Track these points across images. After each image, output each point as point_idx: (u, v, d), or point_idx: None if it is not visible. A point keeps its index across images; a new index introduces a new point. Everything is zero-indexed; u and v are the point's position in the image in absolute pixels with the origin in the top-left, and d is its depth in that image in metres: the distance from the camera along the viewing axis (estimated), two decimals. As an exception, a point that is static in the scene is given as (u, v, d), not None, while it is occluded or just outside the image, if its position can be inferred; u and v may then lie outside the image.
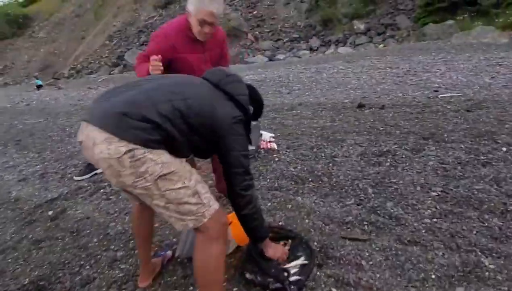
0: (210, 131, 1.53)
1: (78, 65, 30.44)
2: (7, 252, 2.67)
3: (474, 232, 2.07)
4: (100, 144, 1.35)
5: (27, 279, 2.27)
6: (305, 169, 3.26)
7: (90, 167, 4.04)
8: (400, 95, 6.00)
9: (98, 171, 4.00)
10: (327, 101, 6.12)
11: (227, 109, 1.57)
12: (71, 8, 40.15)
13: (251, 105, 1.77)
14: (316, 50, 21.10)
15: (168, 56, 2.24)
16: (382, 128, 4.07)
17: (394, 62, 10.39)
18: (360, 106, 5.20)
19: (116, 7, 35.63)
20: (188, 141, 1.51)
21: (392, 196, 2.58)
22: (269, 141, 3.89)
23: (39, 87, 23.83)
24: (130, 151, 1.33)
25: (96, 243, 2.58)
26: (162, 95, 1.47)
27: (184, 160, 1.52)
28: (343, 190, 2.77)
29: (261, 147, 3.87)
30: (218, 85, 1.64)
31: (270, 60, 21.02)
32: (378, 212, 2.40)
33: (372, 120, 4.47)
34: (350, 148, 3.59)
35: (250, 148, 3.61)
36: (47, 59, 35.20)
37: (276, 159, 3.60)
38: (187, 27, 2.24)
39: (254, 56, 22.50)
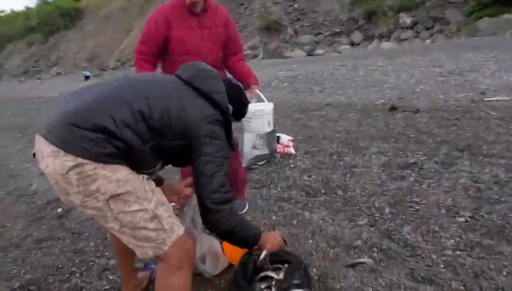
0: (180, 135, 1.35)
1: (123, 58, 31.51)
2: (10, 249, 2.65)
3: (504, 273, 1.73)
4: (46, 158, 1.20)
5: (18, 283, 2.21)
6: (320, 178, 2.99)
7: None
8: (440, 97, 5.49)
9: None
10: (358, 102, 5.74)
11: (198, 109, 1.38)
12: (119, 3, 41.60)
13: (231, 104, 1.56)
14: (358, 45, 20.29)
15: (163, 33, 2.16)
16: (412, 136, 3.68)
17: (439, 59, 9.66)
18: (392, 109, 4.80)
19: (160, 2, 36.47)
20: (155, 149, 1.32)
21: (412, 218, 2.26)
22: (286, 146, 3.65)
23: (86, 78, 24.95)
24: (77, 166, 1.16)
25: (93, 248, 2.49)
26: (118, 97, 1.28)
27: (145, 177, 1.33)
28: (357, 207, 2.49)
29: (278, 150, 3.64)
30: (190, 82, 1.46)
31: (309, 55, 20.54)
32: (393, 236, 2.11)
33: (403, 125, 4.08)
34: (373, 157, 3.27)
35: (263, 152, 3.40)
36: (94, 51, 36.78)
37: (292, 165, 3.36)
38: (183, 0, 2.17)
39: (292, 50, 22.09)
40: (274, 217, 2.52)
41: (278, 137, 3.76)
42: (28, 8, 42.51)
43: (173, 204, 1.78)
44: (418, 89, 6.40)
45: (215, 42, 2.27)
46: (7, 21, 41.54)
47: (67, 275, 2.22)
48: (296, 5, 24.78)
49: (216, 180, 1.37)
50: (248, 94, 2.54)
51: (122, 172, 1.24)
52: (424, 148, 3.32)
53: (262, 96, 2.61)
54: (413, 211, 2.33)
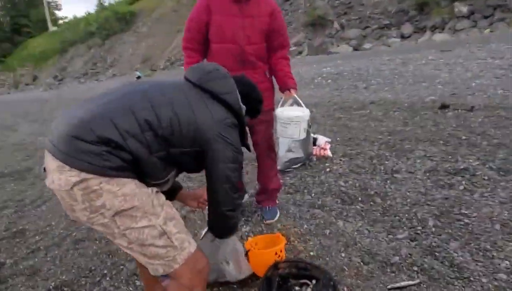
0: (191, 141, 1.29)
1: (172, 57, 32.52)
2: (50, 249, 2.76)
3: None
4: (52, 173, 1.18)
5: (53, 283, 2.28)
6: (357, 184, 2.80)
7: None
8: (499, 93, 4.97)
9: None
10: (405, 99, 5.37)
11: (209, 113, 1.32)
12: (170, 4, 43.04)
13: (244, 102, 1.49)
14: (408, 37, 19.20)
15: (204, 20, 2.12)
16: (464, 138, 3.34)
17: (499, 51, 8.82)
18: (443, 107, 4.41)
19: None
20: (166, 158, 1.26)
21: (460, 233, 2.02)
22: (323, 148, 3.47)
23: (138, 78, 26.07)
24: (81, 181, 1.12)
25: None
26: (123, 106, 1.23)
27: (154, 190, 1.27)
28: (397, 217, 2.28)
29: (314, 153, 3.48)
30: (198, 84, 1.38)
31: (356, 50, 19.81)
32: (436, 254, 1.89)
33: (454, 125, 3.72)
34: (418, 161, 3.00)
35: (299, 155, 3.26)
36: (147, 53, 38.36)
37: (328, 169, 3.18)
38: None
39: (338, 46, 21.47)
40: (305, 226, 2.38)
41: (315, 139, 3.59)
42: (88, 14, 45.28)
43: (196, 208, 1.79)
44: (473, 84, 5.86)
45: (256, 32, 2.16)
46: (70, 27, 44.51)
47: (98, 278, 2.25)
48: (342, -1, 23.93)
49: (231, 187, 1.35)
50: (284, 98, 2.42)
51: (128, 186, 1.18)
52: (477, 152, 2.99)
53: (300, 101, 2.46)
54: (462, 225, 2.08)
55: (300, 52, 21.37)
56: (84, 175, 1.12)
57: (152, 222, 1.20)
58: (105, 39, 41.74)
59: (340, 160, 3.32)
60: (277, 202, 2.69)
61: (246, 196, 2.85)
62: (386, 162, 3.09)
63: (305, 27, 23.63)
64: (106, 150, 1.14)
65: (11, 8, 49.96)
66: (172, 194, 1.64)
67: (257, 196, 2.70)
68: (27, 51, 44.89)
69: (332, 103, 5.88)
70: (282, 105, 2.37)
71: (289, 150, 3.26)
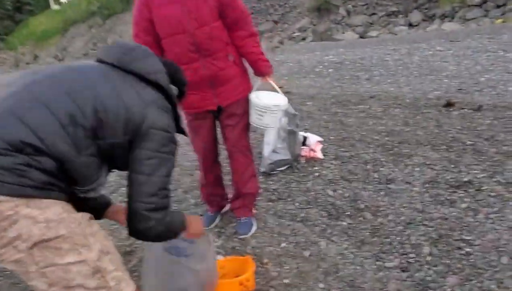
0: (122, 130, 1.09)
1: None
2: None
3: None
4: None
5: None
6: (347, 194, 2.49)
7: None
8: (510, 90, 4.60)
9: None
10: (408, 94, 5.00)
11: (137, 95, 1.13)
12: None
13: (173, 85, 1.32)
14: (416, 26, 18.59)
15: (147, 17, 1.86)
16: (470, 143, 2.99)
17: (512, 43, 8.38)
18: (448, 105, 4.04)
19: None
20: (95, 155, 1.06)
21: (459, 266, 1.71)
22: (312, 150, 3.15)
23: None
24: None
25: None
26: (35, 99, 0.98)
27: (86, 216, 1.04)
28: (388, 240, 1.98)
29: (303, 154, 3.16)
30: (119, 65, 1.18)
31: (361, 37, 19.27)
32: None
33: (459, 127, 3.37)
34: (416, 169, 2.67)
35: (285, 157, 2.94)
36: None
37: (316, 174, 2.87)
38: None
39: (343, 32, 20.92)
40: (284, 244, 2.09)
41: (305, 138, 3.27)
42: (91, -7, 44.58)
43: None
44: (482, 79, 5.47)
45: (204, 11, 1.83)
46: (72, 5, 43.76)
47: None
48: (350, -17, 23.28)
49: (156, 181, 1.12)
50: (259, 82, 2.11)
51: (53, 209, 0.94)
52: (484, 161, 2.65)
53: (277, 88, 2.16)
54: (462, 254, 1.78)
55: (303, 38, 20.85)
56: None
57: (82, 256, 0.96)
58: (106, 19, 41.32)
59: (331, 163, 3.00)
60: (254, 211, 2.40)
61: (227, 206, 2.56)
62: (381, 169, 2.76)
63: (310, 12, 23.03)
64: (21, 162, 0.89)
65: (13, -15, 49.12)
66: (99, 211, 1.36)
67: (232, 202, 2.41)
68: (28, 29, 44.31)
69: (330, 96, 5.52)
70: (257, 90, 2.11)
71: (274, 151, 2.94)
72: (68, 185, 1.02)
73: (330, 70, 8.60)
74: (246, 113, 2.12)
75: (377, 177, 2.66)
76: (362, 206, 2.32)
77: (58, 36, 39.12)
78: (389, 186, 2.51)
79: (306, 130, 3.83)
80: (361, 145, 3.29)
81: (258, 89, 2.13)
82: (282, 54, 13.80)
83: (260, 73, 2.09)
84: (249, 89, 2.14)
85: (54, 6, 46.88)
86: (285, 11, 22.42)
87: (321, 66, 9.19)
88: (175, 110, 1.28)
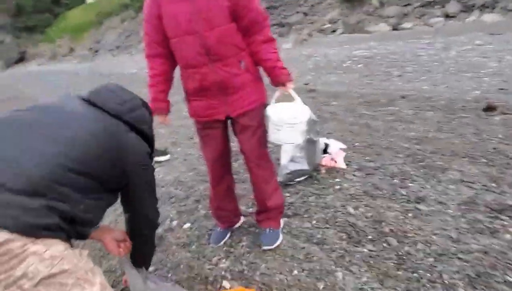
0: (120, 177, 1.28)
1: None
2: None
3: None
4: None
5: None
6: (370, 214, 2.23)
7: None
8: (561, 91, 4.13)
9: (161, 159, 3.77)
10: (443, 94, 4.60)
11: (134, 145, 1.32)
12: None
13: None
14: (454, 17, 17.57)
15: (156, 13, 1.72)
16: (515, 156, 2.65)
17: (562, 36, 7.66)
18: (489, 108, 3.65)
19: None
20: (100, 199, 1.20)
21: (501, 315, 1.45)
22: (332, 159, 2.89)
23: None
24: (1, 244, 0.90)
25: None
26: (45, 143, 1.08)
27: (84, 252, 1.09)
28: (415, 274, 1.72)
29: (323, 163, 2.91)
30: (114, 114, 1.28)
31: (394, 29, 18.49)
32: None
33: (501, 136, 3.01)
34: (451, 187, 2.37)
35: (303, 167, 2.71)
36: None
37: (337, 187, 2.62)
38: None
39: (376, 24, 20.19)
40: (295, 271, 1.87)
41: (327, 145, 3.02)
42: (125, -14, 45.44)
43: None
44: (528, 78, 4.98)
45: (216, 11, 1.66)
46: (106, -1, 44.74)
47: None
48: (383, -28, 22.40)
49: (155, 202, 1.50)
50: (277, 93, 1.90)
51: (56, 247, 0.98)
52: (532, 179, 2.32)
53: (297, 96, 1.93)
54: (505, 301, 1.50)
55: (333, 31, 20.27)
56: (6, 236, 0.89)
57: (86, 290, 1.00)
58: (138, 12, 42.06)
59: (354, 175, 2.73)
60: (281, 223, 2.21)
61: (242, 218, 2.39)
62: (410, 184, 2.48)
63: (341, 3, 22.36)
64: (44, 204, 0.96)
65: (51, -22, 50.69)
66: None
67: (256, 215, 2.24)
68: (65, 22, 45.84)
69: (358, 95, 5.19)
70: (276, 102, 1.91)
71: (292, 160, 2.72)
72: (74, 227, 1.08)
73: (359, 65, 8.20)
74: (261, 124, 1.94)
75: (405, 193, 2.38)
76: (386, 229, 2.06)
77: (92, 29, 40.20)
78: (418, 206, 2.23)
79: (328, 135, 3.58)
80: (388, 154, 3.00)
81: (277, 101, 1.91)
82: (309, 48, 13.44)
83: (277, 82, 1.86)
84: (263, 99, 1.94)
85: (89, 0, 48.17)
86: (315, 2, 21.83)
87: (349, 61, 8.80)
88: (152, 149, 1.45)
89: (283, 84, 1.86)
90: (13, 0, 45.63)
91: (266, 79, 1.91)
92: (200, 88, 1.82)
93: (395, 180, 2.57)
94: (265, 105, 1.94)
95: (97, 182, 1.15)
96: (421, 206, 2.22)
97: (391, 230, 2.05)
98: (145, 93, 1.77)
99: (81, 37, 40.82)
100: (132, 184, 1.31)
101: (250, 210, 2.53)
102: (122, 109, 1.30)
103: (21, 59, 43.59)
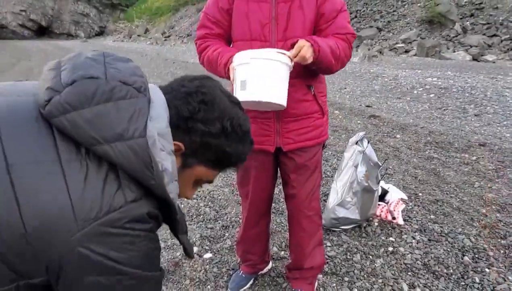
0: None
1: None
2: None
3: None
4: None
5: None
6: (429, 299, 1.78)
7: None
8: None
9: None
10: (533, 151, 3.90)
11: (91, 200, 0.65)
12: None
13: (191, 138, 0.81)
14: (548, 56, 15.84)
15: (225, 7, 1.46)
16: None
17: None
18: None
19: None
20: None
21: None
22: (389, 211, 2.43)
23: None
24: None
25: None
26: None
27: None
28: None
29: (377, 213, 2.47)
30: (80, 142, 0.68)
31: (475, 59, 17.13)
32: None
33: None
34: (543, 287, 1.84)
35: (353, 216, 2.29)
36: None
37: (390, 249, 2.17)
38: None
39: (454, 51, 18.86)
40: None
41: (385, 192, 2.57)
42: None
43: None
44: None
45: (295, 21, 1.39)
46: (186, -13, 46.60)
47: None
48: (473, -3, 20.85)
49: None
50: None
51: None
52: None
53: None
54: None
55: (406, 51, 19.26)
56: None
57: None
58: (214, 4, 43.31)
59: (413, 238, 2.26)
60: (315, 285, 1.84)
61: (270, 264, 2.05)
62: (487, 270, 1.96)
63: (420, 24, 21.18)
64: None
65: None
66: None
67: (288, 270, 1.89)
68: (146, 5, 48.28)
69: (426, 131, 4.60)
70: None
71: (341, 203, 2.31)
72: None
73: (431, 95, 7.47)
74: (319, 167, 1.62)
75: (478, 281, 1.88)
76: (449, 329, 1.60)
77: (169, 14, 41.92)
78: (496, 304, 1.73)
79: (387, 176, 3.10)
80: (459, 218, 2.47)
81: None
82: (378, 66, 12.71)
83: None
84: (326, 136, 1.59)
85: (173, -14, 50.33)
86: (392, 19, 20.87)
87: (420, 89, 8.07)
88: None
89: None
90: (103, -22, 48.91)
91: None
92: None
93: (466, 258, 2.06)
94: (325, 145, 1.58)
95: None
96: (499, 306, 1.72)
97: (456, 333, 1.59)
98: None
99: (158, 20, 42.70)
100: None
101: (282, 253, 2.18)
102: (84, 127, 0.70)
103: (101, 33, 46.63)
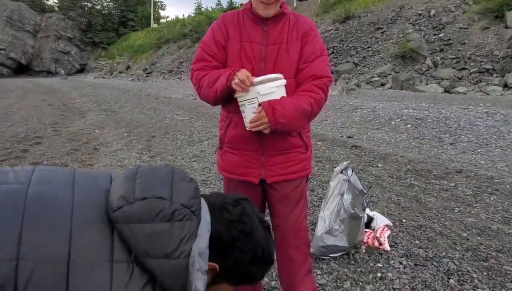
0: None
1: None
2: None
3: None
4: None
5: None
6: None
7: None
8: None
9: None
10: (506, 176, 4.09)
11: None
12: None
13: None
14: (513, 88, 16.77)
15: (221, 43, 1.56)
16: None
17: None
18: None
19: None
20: None
21: None
22: (374, 237, 2.50)
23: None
24: None
25: None
26: None
27: None
28: None
29: (364, 240, 2.52)
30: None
31: (447, 91, 18.01)
32: None
33: None
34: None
35: (341, 243, 2.34)
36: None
37: (378, 275, 2.21)
38: (247, 7, 1.58)
39: (427, 84, 19.78)
40: None
41: (370, 219, 2.64)
42: (187, 17, 48.46)
43: None
44: None
45: (283, 63, 1.50)
46: (168, 26, 47.83)
47: None
48: (442, 34, 22.20)
49: None
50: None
51: None
52: None
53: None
54: None
55: (383, 84, 20.05)
56: None
57: None
58: (195, 42, 44.32)
59: (400, 263, 2.32)
60: None
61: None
62: (471, 291, 2.04)
63: (394, 59, 22.21)
64: None
65: (122, 3, 55.11)
66: None
67: None
68: (127, 42, 49.02)
69: (406, 160, 4.77)
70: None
71: (329, 231, 2.36)
72: None
73: (408, 125, 7.78)
74: (303, 198, 1.67)
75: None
76: None
77: (151, 51, 42.63)
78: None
79: (371, 204, 3.19)
80: (442, 242, 2.56)
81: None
82: (356, 98, 13.15)
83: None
84: (309, 169, 1.66)
85: (154, 25, 51.58)
86: (367, 55, 21.84)
87: (398, 119, 8.39)
88: None
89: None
90: (85, 18, 49.68)
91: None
92: (240, 137, 1.57)
93: (451, 280, 2.12)
94: (308, 179, 1.65)
95: None
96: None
97: None
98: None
99: (139, 57, 43.33)
100: None
101: (273, 283, 2.18)
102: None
103: (81, 70, 46.77)
